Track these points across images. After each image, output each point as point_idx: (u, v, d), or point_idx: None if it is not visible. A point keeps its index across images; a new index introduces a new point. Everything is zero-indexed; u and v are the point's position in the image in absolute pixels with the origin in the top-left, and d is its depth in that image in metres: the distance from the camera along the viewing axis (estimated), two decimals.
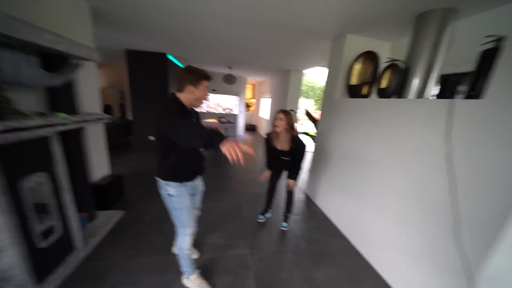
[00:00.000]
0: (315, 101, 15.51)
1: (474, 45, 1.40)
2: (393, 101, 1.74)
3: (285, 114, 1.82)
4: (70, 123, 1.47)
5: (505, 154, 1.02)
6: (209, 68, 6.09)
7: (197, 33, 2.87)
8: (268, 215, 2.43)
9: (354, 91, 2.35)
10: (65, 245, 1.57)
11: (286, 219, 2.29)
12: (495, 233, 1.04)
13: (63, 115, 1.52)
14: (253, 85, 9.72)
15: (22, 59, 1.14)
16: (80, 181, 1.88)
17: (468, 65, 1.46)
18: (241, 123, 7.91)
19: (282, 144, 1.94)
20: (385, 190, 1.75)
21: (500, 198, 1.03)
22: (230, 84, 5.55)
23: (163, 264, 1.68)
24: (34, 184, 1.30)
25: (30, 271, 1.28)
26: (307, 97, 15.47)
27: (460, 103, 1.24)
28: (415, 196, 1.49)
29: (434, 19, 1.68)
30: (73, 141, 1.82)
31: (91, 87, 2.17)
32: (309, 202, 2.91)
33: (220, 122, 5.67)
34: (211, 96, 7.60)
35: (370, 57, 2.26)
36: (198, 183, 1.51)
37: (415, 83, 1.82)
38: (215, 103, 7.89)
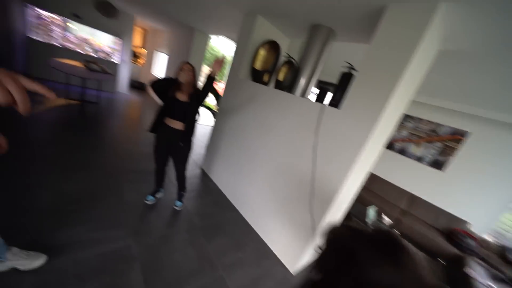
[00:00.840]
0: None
1: (340, 64, 1.90)
2: (288, 95, 2.02)
3: (193, 67, 1.71)
4: None
5: (348, 148, 1.50)
6: None
7: None
8: (159, 195, 2.17)
9: (257, 76, 2.48)
10: None
11: (180, 197, 2.17)
12: (331, 202, 1.57)
13: None
14: (145, 30, 7.64)
15: None
16: None
17: (335, 78, 1.98)
18: (124, 77, 6.09)
19: (182, 95, 1.73)
20: (266, 169, 2.11)
21: (338, 176, 1.56)
22: (107, 17, 3.93)
23: None
24: None
25: None
26: (209, 66, 14.74)
27: (327, 108, 1.65)
28: (287, 174, 1.91)
29: (322, 33, 2.05)
30: None
31: None
32: (205, 177, 2.93)
33: (88, 68, 4.01)
34: (76, 27, 5.07)
35: (274, 47, 2.43)
36: None
37: (302, 82, 2.21)
38: (81, 38, 5.39)
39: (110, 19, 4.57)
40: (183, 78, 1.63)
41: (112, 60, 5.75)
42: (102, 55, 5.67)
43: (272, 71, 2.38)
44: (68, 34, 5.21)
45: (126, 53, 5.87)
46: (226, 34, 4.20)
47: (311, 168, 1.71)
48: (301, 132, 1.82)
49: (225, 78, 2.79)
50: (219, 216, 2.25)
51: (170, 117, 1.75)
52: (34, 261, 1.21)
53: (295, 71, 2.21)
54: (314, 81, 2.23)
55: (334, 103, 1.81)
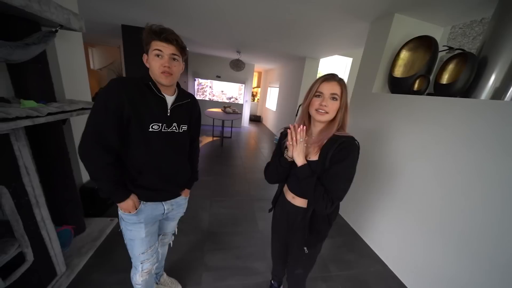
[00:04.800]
0: None
1: None
2: (470, 101, 1.34)
3: (342, 85, 0.82)
4: (40, 116, 1.05)
5: None
6: (216, 53, 5.54)
7: (205, 8, 2.37)
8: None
9: (399, 85, 1.93)
10: (39, 275, 1.21)
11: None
12: None
13: (31, 103, 1.11)
14: (259, 73, 9.15)
15: None
16: (62, 187, 1.49)
17: None
18: (246, 114, 7.45)
19: (308, 150, 0.89)
20: (434, 211, 1.40)
21: None
22: (237, 71, 5.04)
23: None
24: None
25: None
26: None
27: None
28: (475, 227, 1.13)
29: None
30: (52, 137, 1.41)
31: (75, 66, 1.72)
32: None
33: (225, 112, 5.22)
34: (216, 83, 7.06)
35: (424, 44, 1.82)
36: (176, 207, 1.08)
37: (491, 79, 1.41)
38: (219, 91, 7.36)
39: (238, 72, 5.87)
40: (321, 117, 0.83)
41: (238, 102, 7.24)
42: (232, 99, 7.31)
43: (427, 74, 1.76)
44: (212, 90, 7.28)
45: (248, 94, 7.19)
46: (339, 52, 3.96)
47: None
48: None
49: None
50: (360, 267, 1.76)
51: (290, 189, 0.98)
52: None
53: (472, 65, 1.47)
54: None
55: None
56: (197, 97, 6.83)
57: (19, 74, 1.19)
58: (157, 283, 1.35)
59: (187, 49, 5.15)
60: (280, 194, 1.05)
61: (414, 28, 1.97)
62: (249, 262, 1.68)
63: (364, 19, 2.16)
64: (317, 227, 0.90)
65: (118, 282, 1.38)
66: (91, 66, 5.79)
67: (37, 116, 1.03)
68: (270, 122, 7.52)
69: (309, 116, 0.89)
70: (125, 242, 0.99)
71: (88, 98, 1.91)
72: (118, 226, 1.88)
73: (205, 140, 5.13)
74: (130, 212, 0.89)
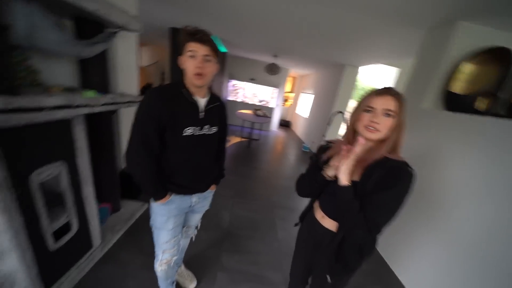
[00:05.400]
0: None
1: None
2: None
3: (399, 100, 0.71)
4: (96, 105, 1.19)
5: None
6: (252, 56, 5.66)
7: (246, 13, 2.43)
8: None
9: (458, 103, 1.68)
10: (80, 244, 1.37)
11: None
12: None
13: (91, 93, 1.26)
14: (294, 78, 9.04)
15: (38, 15, 0.85)
16: (106, 169, 1.67)
17: None
18: (276, 118, 7.43)
19: (354, 171, 0.77)
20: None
21: None
22: (272, 75, 5.06)
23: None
24: (48, 176, 1.07)
25: (37, 276, 1.08)
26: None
27: None
28: None
29: None
30: (102, 125, 1.60)
31: (128, 63, 1.92)
32: None
33: (256, 115, 5.28)
34: (249, 86, 7.20)
35: (497, 56, 1.55)
36: (202, 201, 1.13)
37: None
38: (252, 93, 7.49)
39: (273, 76, 5.88)
40: (372, 134, 0.73)
41: (269, 105, 7.26)
42: (263, 103, 7.36)
43: (495, 92, 1.49)
44: (245, 92, 7.44)
45: (280, 99, 7.15)
46: (382, 60, 3.67)
47: None
48: None
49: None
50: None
51: (321, 207, 0.90)
52: (190, 283, 1.40)
53: None
54: None
55: None
56: (230, 98, 7.06)
57: (85, 68, 1.37)
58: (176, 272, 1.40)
59: (227, 51, 5.36)
60: (309, 211, 0.98)
61: (483, 37, 1.70)
62: (265, 270, 1.63)
63: (417, 26, 1.95)
64: (345, 256, 0.80)
65: (142, 264, 1.48)
66: (140, 63, 6.47)
67: (94, 105, 1.17)
68: (299, 128, 7.35)
69: (354, 133, 0.80)
70: (152, 230, 1.06)
71: (136, 92, 2.11)
72: (147, 212, 2.03)
73: (233, 140, 5.26)
74: (161, 202, 0.95)
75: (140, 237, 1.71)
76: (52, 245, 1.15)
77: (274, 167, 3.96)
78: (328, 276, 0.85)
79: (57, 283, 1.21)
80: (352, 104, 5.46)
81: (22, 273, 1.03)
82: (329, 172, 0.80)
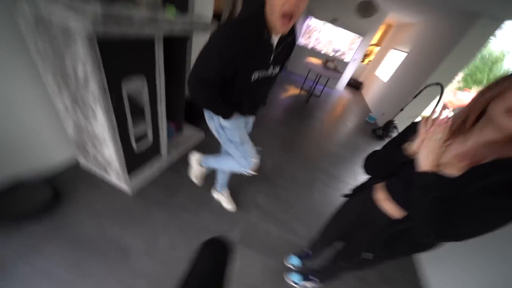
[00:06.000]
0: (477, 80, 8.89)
1: None
2: None
3: None
4: (175, 23, 1.17)
5: None
6: None
7: None
8: (306, 263, 1.45)
9: None
10: (152, 151, 1.67)
11: (306, 277, 1.33)
12: None
13: (172, 10, 1.23)
14: (388, 26, 7.01)
15: None
16: (174, 93, 1.82)
17: None
18: (346, 75, 6.35)
19: (446, 159, 0.60)
20: None
21: None
22: (363, 17, 3.98)
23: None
24: (134, 87, 1.22)
25: (124, 165, 1.41)
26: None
27: None
28: None
29: None
30: (176, 47, 1.63)
31: None
32: None
33: (325, 67, 4.58)
34: (327, 28, 6.02)
35: None
36: (251, 121, 1.26)
37: None
38: (328, 39, 6.32)
39: (364, 19, 4.63)
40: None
41: (344, 59, 6.12)
42: (338, 53, 6.23)
43: None
44: (320, 37, 6.32)
45: (360, 52, 5.88)
46: None
47: None
48: None
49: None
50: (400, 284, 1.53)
51: (388, 189, 0.77)
52: (229, 205, 1.65)
53: None
54: None
55: None
56: (301, 40, 6.18)
57: None
58: (221, 193, 1.66)
59: None
60: (367, 188, 0.88)
61: None
62: (292, 221, 1.74)
63: None
64: (398, 246, 0.72)
65: (190, 184, 1.76)
66: None
67: (173, 23, 1.16)
68: (371, 94, 6.20)
69: (480, 114, 0.57)
70: (232, 147, 1.13)
71: (210, 13, 2.00)
72: (204, 139, 2.27)
73: (292, 91, 4.92)
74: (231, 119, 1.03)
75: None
76: (135, 146, 1.43)
77: (328, 130, 3.67)
78: (366, 254, 0.81)
79: (135, 175, 1.58)
80: (458, 78, 4.09)
81: (116, 160, 1.35)
82: (413, 147, 0.64)
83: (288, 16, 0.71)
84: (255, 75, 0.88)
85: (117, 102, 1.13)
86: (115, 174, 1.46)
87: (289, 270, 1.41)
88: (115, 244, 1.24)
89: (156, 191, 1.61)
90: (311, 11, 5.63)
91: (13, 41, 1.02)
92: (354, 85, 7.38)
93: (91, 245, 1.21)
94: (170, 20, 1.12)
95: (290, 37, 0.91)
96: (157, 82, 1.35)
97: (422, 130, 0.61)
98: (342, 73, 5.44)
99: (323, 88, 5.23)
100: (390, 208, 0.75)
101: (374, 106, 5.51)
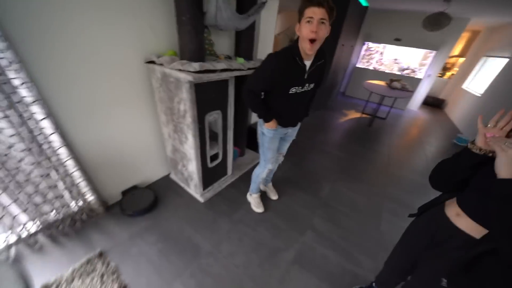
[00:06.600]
0: None
1: None
2: None
3: None
4: (244, 69, 1.53)
5: None
6: (406, 6, 4.27)
7: None
8: None
9: None
10: (221, 169, 2.00)
11: None
12: None
13: (241, 60, 1.61)
14: (474, 33, 5.92)
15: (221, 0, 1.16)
16: (239, 123, 2.18)
17: None
18: (421, 94, 5.55)
19: None
20: None
21: None
22: (433, 30, 3.62)
23: (279, 224, 1.71)
24: (213, 119, 1.60)
25: (201, 178, 1.77)
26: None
27: None
28: None
29: None
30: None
31: (267, 31, 2.17)
32: None
33: (390, 87, 4.23)
34: (390, 49, 5.69)
35: None
36: (291, 132, 1.53)
37: None
38: (391, 59, 5.91)
39: (434, 32, 4.15)
40: None
41: (415, 76, 5.47)
42: (407, 72, 5.65)
43: None
44: (382, 58, 5.99)
45: (435, 66, 5.14)
46: None
47: None
48: None
49: None
50: None
51: (459, 203, 0.70)
52: (274, 196, 1.98)
53: None
54: None
55: None
56: (359, 65, 6.03)
57: (238, 39, 1.74)
58: (265, 185, 2.00)
59: (368, 5, 4.39)
60: (437, 205, 0.80)
61: None
62: (355, 251, 1.59)
63: None
64: (481, 272, 0.61)
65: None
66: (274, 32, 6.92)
67: (242, 70, 1.51)
68: (459, 111, 5.09)
69: None
70: (262, 150, 1.54)
71: None
72: None
73: (352, 115, 4.70)
74: (272, 128, 1.35)
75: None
76: (209, 164, 1.79)
77: (400, 154, 3.22)
78: (444, 280, 0.69)
79: (207, 188, 1.91)
80: None
81: (196, 174, 1.72)
82: (478, 143, 0.61)
83: (312, 40, 0.98)
84: (292, 90, 1.18)
85: (201, 130, 1.52)
86: (193, 185, 1.83)
87: None
88: (190, 243, 1.51)
89: (221, 203, 1.88)
90: (368, 37, 5.56)
91: (146, 93, 1.60)
92: (434, 103, 6.29)
93: (174, 240, 1.52)
94: (240, 66, 1.49)
95: (320, 61, 1.18)
96: (228, 113, 1.71)
97: (480, 125, 0.59)
98: (412, 91, 4.82)
99: (390, 109, 4.74)
100: (464, 224, 0.66)
101: (464, 125, 4.47)
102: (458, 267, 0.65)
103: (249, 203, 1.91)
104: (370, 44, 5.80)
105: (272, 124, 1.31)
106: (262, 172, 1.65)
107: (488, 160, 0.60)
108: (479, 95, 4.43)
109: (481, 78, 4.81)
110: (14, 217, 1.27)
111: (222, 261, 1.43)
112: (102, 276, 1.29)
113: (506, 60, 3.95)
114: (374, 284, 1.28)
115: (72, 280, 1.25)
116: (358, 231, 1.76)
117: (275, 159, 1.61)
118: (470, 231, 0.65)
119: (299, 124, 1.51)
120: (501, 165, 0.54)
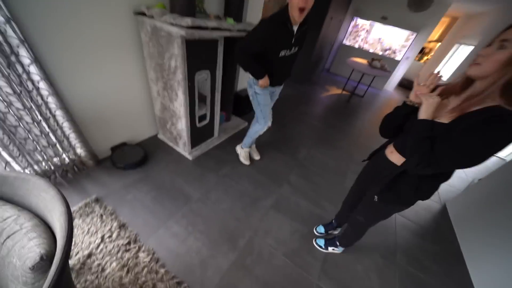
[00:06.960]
0: None
1: None
2: None
3: None
4: (233, 31, 1.57)
5: None
6: None
7: None
8: (333, 231, 1.63)
9: None
10: (208, 131, 2.13)
11: (332, 243, 1.49)
12: None
13: (231, 21, 1.64)
14: (453, 19, 6.21)
15: None
16: (226, 87, 2.25)
17: None
18: (397, 75, 5.89)
19: (441, 111, 0.76)
20: None
21: None
22: (417, 11, 3.76)
23: (260, 179, 1.96)
24: (202, 78, 1.67)
25: (189, 137, 1.89)
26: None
27: None
28: None
29: None
30: (231, 49, 2.06)
31: None
32: (442, 218, 2.05)
33: (371, 65, 4.46)
34: (376, 27, 5.79)
35: None
36: (277, 91, 1.77)
37: None
38: (375, 38, 6.05)
39: (417, 14, 4.32)
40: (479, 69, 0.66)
41: (395, 57, 5.73)
42: (388, 53, 5.88)
43: None
44: (368, 36, 6.10)
45: (414, 49, 5.41)
46: None
47: None
48: None
49: None
50: (438, 276, 1.49)
51: (394, 143, 0.95)
52: (246, 161, 2.10)
53: None
54: None
55: None
56: (346, 42, 6.10)
57: (228, 0, 1.73)
58: (249, 147, 2.10)
59: None
60: (380, 149, 1.05)
61: None
62: (322, 199, 1.91)
63: None
64: (400, 187, 0.87)
65: (237, 155, 2.14)
66: None
67: (232, 30, 1.56)
68: None
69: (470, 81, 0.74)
70: (259, 109, 1.72)
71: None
72: (246, 128, 2.65)
73: (333, 91, 4.93)
74: (265, 87, 1.55)
75: (239, 141, 2.37)
76: (198, 123, 1.90)
77: (369, 129, 3.58)
78: (376, 196, 0.97)
79: (195, 147, 2.05)
80: None
81: (185, 132, 1.83)
82: (411, 97, 0.84)
83: (302, 9, 1.13)
84: (282, 53, 1.36)
85: (190, 88, 1.59)
86: (182, 144, 1.96)
87: (315, 236, 1.60)
88: (181, 192, 1.70)
89: (208, 161, 2.05)
90: (357, 12, 5.55)
91: (135, 47, 1.59)
92: (408, 85, 6.75)
93: (166, 189, 1.69)
94: (229, 26, 1.53)
95: (304, 26, 1.35)
96: (217, 74, 1.78)
97: (415, 83, 0.81)
98: (390, 72, 5.12)
99: (367, 88, 5.04)
100: (394, 158, 0.92)
101: None
102: (385, 186, 0.91)
103: (237, 156, 2.15)
104: (359, 20, 5.82)
105: (266, 80, 1.48)
106: (262, 129, 1.82)
107: (416, 110, 0.82)
108: (445, 81, 4.87)
109: (451, 64, 5.23)
110: (5, 165, 1.32)
111: (210, 206, 1.65)
112: (101, 216, 1.44)
113: (472, 47, 4.32)
114: (333, 220, 1.61)
115: (73, 219, 1.39)
116: (326, 186, 2.08)
117: (271, 114, 1.81)
118: (397, 161, 0.91)
119: (283, 84, 1.74)
120: (421, 110, 0.76)
